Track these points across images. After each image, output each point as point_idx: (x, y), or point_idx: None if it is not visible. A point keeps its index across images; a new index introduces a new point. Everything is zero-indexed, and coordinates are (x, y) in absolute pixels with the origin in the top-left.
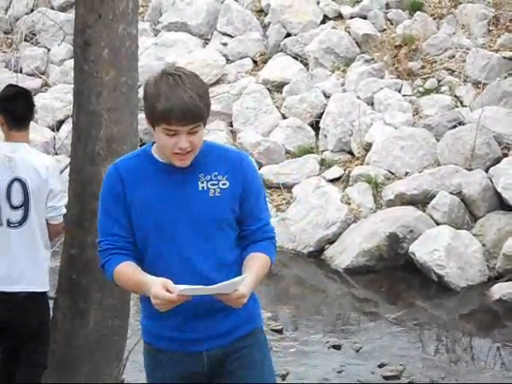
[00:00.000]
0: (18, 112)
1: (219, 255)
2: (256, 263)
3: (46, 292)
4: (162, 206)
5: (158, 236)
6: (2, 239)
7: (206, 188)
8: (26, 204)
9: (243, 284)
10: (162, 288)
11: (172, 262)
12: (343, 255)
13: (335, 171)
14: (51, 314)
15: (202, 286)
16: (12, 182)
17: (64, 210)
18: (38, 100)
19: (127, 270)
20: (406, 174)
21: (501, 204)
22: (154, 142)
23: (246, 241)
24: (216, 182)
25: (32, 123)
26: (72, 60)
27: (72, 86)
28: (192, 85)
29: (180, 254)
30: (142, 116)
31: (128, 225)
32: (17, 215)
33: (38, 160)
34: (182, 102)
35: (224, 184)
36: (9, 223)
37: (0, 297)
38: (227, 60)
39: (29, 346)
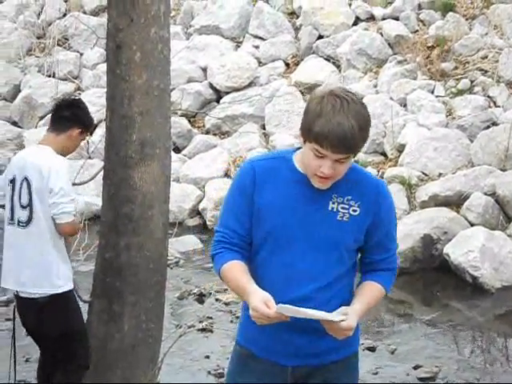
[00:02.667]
0: (54, 114)
1: (328, 279)
2: (369, 293)
3: (61, 293)
4: (284, 215)
5: (272, 244)
6: (14, 238)
7: (335, 210)
8: (30, 204)
9: (352, 315)
10: (262, 303)
11: (277, 273)
12: None
13: None
14: (84, 317)
15: (303, 309)
16: (22, 181)
17: (68, 209)
18: None
19: (235, 270)
20: (440, 175)
21: None
22: (297, 149)
23: (368, 267)
24: (347, 207)
25: None
26: (104, 64)
27: (105, 90)
28: (357, 114)
29: (287, 268)
30: (174, 119)
31: (248, 224)
32: (24, 215)
33: (45, 160)
34: (341, 129)
35: (355, 211)
36: (19, 222)
37: (19, 300)
38: (259, 63)
39: (54, 350)
